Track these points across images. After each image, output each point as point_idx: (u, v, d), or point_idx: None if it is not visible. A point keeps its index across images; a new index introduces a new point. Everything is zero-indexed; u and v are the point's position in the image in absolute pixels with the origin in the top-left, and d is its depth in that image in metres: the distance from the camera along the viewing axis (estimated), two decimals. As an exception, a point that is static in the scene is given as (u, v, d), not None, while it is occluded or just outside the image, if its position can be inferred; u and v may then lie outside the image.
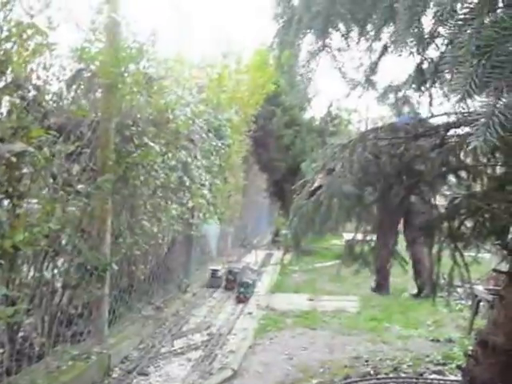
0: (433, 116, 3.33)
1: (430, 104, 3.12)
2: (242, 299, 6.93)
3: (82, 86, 4.07)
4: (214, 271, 8.03)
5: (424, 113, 3.36)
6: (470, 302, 6.32)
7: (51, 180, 3.60)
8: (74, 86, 4.02)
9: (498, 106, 1.42)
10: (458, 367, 3.74)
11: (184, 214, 6.21)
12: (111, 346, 4.47)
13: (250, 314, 6.45)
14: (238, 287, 7.10)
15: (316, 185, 3.24)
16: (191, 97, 6.22)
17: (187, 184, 6.05)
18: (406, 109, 3.34)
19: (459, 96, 1.49)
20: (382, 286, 7.88)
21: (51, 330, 3.92)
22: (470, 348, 3.67)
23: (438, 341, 5.45)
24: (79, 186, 3.87)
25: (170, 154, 5.41)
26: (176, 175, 5.63)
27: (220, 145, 7.57)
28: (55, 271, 3.99)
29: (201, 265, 8.48)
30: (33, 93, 3.47)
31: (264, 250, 11.94)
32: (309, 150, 11.64)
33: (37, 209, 3.42)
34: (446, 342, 5.42)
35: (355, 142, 3.28)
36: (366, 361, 4.72)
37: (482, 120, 1.42)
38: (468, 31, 1.54)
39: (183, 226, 6.36)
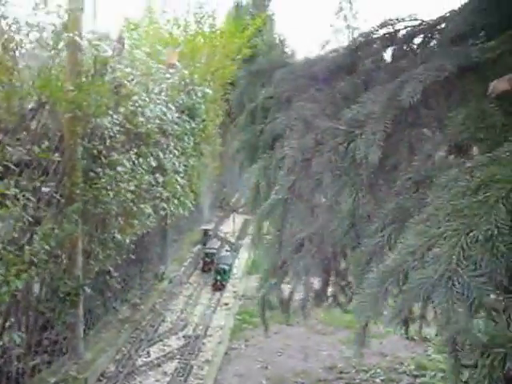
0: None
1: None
2: (218, 287, 6.97)
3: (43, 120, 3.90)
4: (206, 230, 9.16)
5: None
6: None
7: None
8: (35, 122, 3.85)
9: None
10: None
11: (158, 206, 6.13)
12: (87, 364, 4.51)
13: (226, 305, 6.51)
14: (215, 274, 7.11)
15: None
16: (161, 89, 6.00)
17: (161, 180, 5.94)
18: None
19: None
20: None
21: (28, 354, 3.93)
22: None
23: (413, 339, 5.54)
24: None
25: (141, 159, 5.28)
26: (148, 178, 5.51)
27: (194, 125, 7.39)
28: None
29: (180, 234, 8.56)
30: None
31: (242, 213, 11.91)
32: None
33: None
34: (420, 340, 5.51)
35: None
36: (341, 372, 4.81)
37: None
38: None
39: (158, 217, 6.29)
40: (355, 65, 2.16)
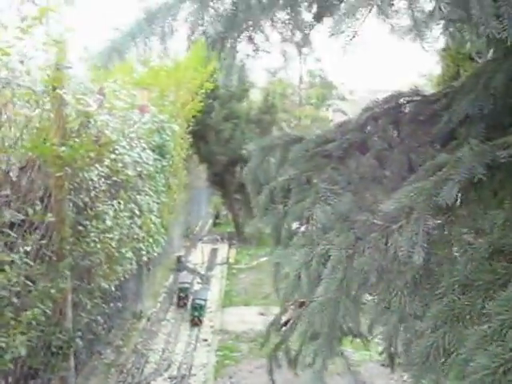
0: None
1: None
2: (196, 322, 7.03)
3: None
4: (179, 256, 9.80)
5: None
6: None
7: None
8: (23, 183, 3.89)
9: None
10: None
11: (137, 248, 6.18)
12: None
13: (205, 341, 6.58)
14: (192, 310, 7.17)
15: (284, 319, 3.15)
16: (138, 134, 6.08)
17: (138, 223, 6.00)
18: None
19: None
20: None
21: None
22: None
23: (388, 366, 5.72)
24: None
25: (121, 206, 5.34)
26: (128, 222, 5.57)
27: (164, 163, 7.48)
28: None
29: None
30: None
31: (208, 241, 12.01)
32: (248, 142, 11.64)
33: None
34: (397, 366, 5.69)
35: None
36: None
37: None
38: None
39: (137, 259, 6.33)
40: (366, 142, 2.32)
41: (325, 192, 2.06)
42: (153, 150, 7.06)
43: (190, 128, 10.16)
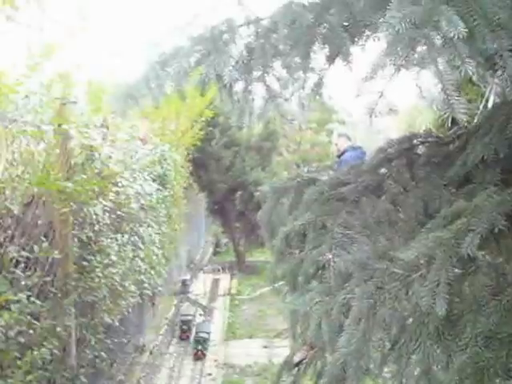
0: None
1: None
2: (199, 356, 6.93)
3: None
4: (184, 280, 9.83)
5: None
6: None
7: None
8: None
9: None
10: None
11: (139, 280, 6.13)
12: None
13: (209, 375, 6.48)
14: (195, 343, 7.08)
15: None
16: (141, 165, 6.07)
17: (141, 255, 5.95)
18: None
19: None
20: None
21: None
22: None
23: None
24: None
25: (125, 239, 5.31)
26: (131, 255, 5.52)
27: (166, 194, 7.46)
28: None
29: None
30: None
31: (209, 271, 11.93)
32: (248, 169, 11.63)
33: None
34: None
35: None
36: None
37: None
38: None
39: (140, 292, 6.28)
40: (380, 185, 2.30)
41: (341, 237, 2.04)
42: (154, 180, 7.05)
43: (190, 156, 10.17)
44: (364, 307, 1.72)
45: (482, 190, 1.89)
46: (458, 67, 1.47)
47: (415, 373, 1.69)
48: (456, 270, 1.62)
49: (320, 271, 2.14)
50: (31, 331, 3.52)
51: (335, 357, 1.77)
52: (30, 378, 3.40)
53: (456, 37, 1.36)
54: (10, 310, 3.28)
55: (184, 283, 9.77)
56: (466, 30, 1.38)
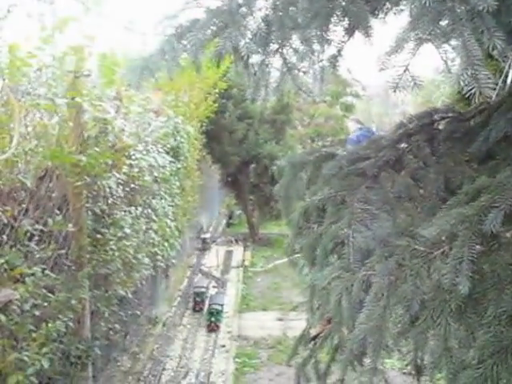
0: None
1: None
2: (213, 328, 6.98)
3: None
4: (204, 239, 11.41)
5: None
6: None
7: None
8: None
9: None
10: None
11: (152, 252, 6.14)
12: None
13: (223, 347, 6.53)
14: (208, 315, 7.12)
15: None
16: (154, 138, 6.04)
17: (154, 228, 5.96)
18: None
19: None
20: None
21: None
22: None
23: (410, 374, 5.65)
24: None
25: (138, 211, 5.31)
26: (144, 227, 5.53)
27: (179, 166, 7.44)
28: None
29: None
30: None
31: (222, 243, 11.96)
32: (262, 142, 11.57)
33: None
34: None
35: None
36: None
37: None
38: None
39: (153, 264, 6.30)
40: (400, 160, 2.26)
41: (360, 213, 2.00)
42: (167, 153, 7.02)
43: (204, 128, 10.11)
44: (385, 284, 1.69)
45: (505, 167, 1.85)
46: (481, 41, 1.43)
47: (436, 349, 1.67)
48: (478, 247, 1.59)
49: (338, 246, 2.11)
50: (46, 304, 3.55)
51: (355, 333, 1.75)
52: (45, 350, 3.41)
53: (486, 10, 1.31)
54: (24, 283, 3.28)
55: (204, 241, 11.16)
56: (496, 3, 1.33)
